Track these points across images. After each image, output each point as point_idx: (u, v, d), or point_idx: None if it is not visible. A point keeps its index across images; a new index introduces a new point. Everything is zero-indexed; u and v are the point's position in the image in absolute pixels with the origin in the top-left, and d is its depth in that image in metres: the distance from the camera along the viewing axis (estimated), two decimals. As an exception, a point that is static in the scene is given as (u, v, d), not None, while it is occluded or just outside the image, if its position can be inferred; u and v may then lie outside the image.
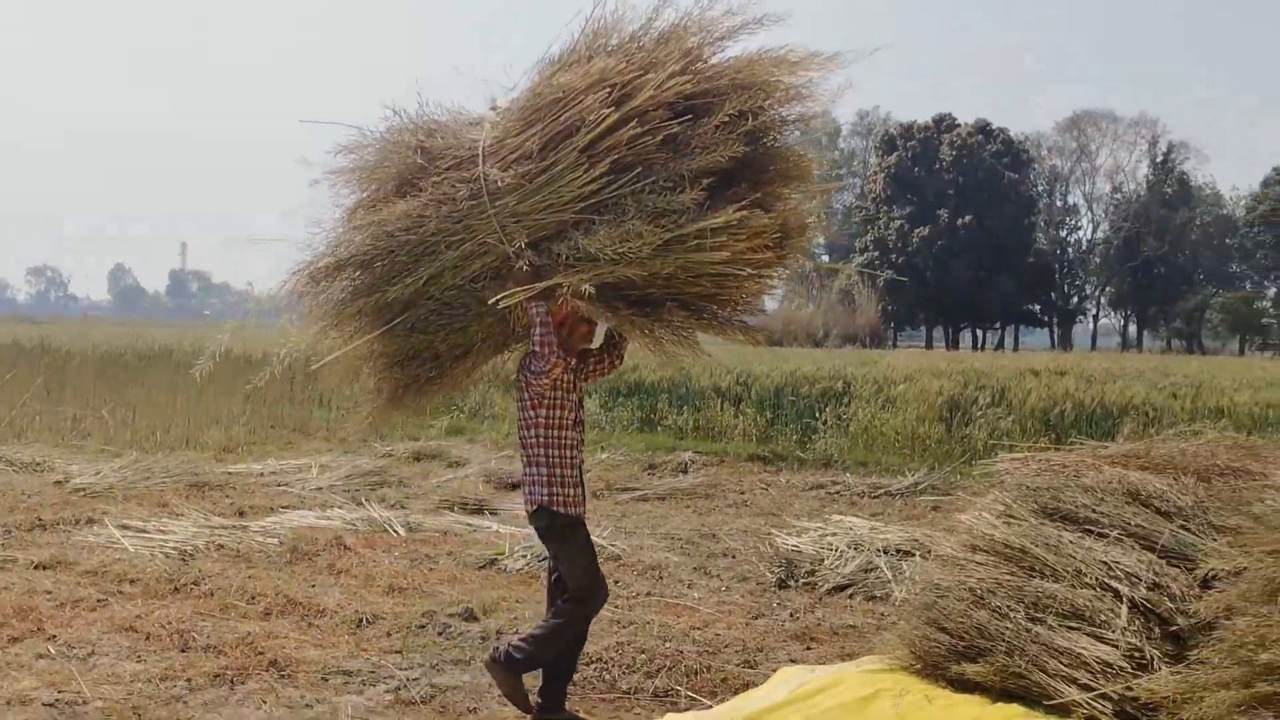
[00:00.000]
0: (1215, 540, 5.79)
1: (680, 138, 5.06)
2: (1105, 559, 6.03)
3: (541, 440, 5.52)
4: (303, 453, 15.94)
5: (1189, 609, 5.58)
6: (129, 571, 8.62)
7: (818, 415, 18.41)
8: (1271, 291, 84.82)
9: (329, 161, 5.71)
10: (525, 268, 5.13)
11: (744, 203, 5.04)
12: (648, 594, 8.48)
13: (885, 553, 9.30)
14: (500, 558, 9.38)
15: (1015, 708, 5.76)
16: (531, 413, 5.51)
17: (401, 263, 5.29)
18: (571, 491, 5.60)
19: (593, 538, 9.72)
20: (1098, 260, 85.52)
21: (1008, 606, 6.06)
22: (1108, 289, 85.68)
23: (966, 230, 72.83)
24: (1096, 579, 5.97)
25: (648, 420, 19.67)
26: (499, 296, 5.16)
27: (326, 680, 6.39)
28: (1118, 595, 5.83)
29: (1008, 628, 5.97)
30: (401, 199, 5.38)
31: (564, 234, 5.10)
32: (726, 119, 5.08)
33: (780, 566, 9.11)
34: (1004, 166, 76.09)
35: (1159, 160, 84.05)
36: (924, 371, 20.56)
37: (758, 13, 5.29)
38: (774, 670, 6.52)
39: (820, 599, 8.45)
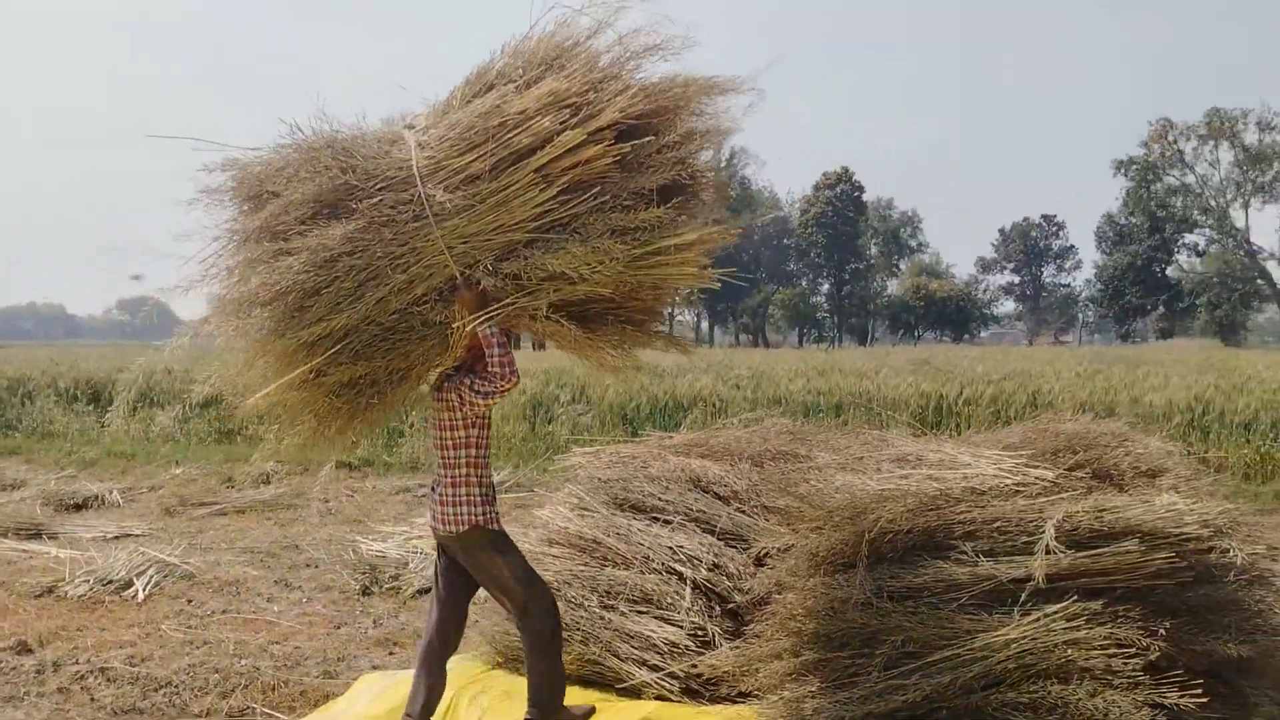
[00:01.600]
0: (767, 520, 6.17)
1: (630, 156, 5.04)
2: (671, 544, 6.31)
3: (474, 460, 5.33)
4: None
5: (745, 586, 5.93)
6: None
7: (404, 418, 18.25)
8: (824, 287, 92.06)
9: (210, 180, 5.32)
10: (489, 287, 5.02)
11: (704, 220, 5.21)
12: (224, 611, 8.09)
13: (469, 552, 9.31)
14: (59, 584, 8.69)
15: (592, 694, 5.91)
16: (463, 433, 5.30)
17: (346, 289, 5.00)
18: (496, 509, 5.43)
19: (163, 556, 9.30)
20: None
21: (583, 596, 6.23)
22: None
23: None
24: (663, 564, 6.24)
25: (226, 432, 18.87)
26: (475, 318, 5.02)
27: None
28: (682, 578, 6.11)
29: (583, 617, 6.13)
30: (333, 221, 5.06)
31: (515, 253, 5.00)
32: (677, 139, 5.16)
33: (364, 573, 8.96)
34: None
35: (722, 165, 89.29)
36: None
37: (673, 36, 5.28)
38: (355, 679, 6.39)
39: (404, 603, 8.37)
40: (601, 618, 6.10)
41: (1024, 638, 4.85)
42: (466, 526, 5.32)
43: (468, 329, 5.05)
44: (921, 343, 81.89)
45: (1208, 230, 78.26)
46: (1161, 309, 79.73)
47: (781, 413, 13.74)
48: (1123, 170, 78.88)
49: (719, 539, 6.28)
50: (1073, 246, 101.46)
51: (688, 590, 6.01)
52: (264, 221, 5.19)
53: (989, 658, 4.84)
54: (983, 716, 4.84)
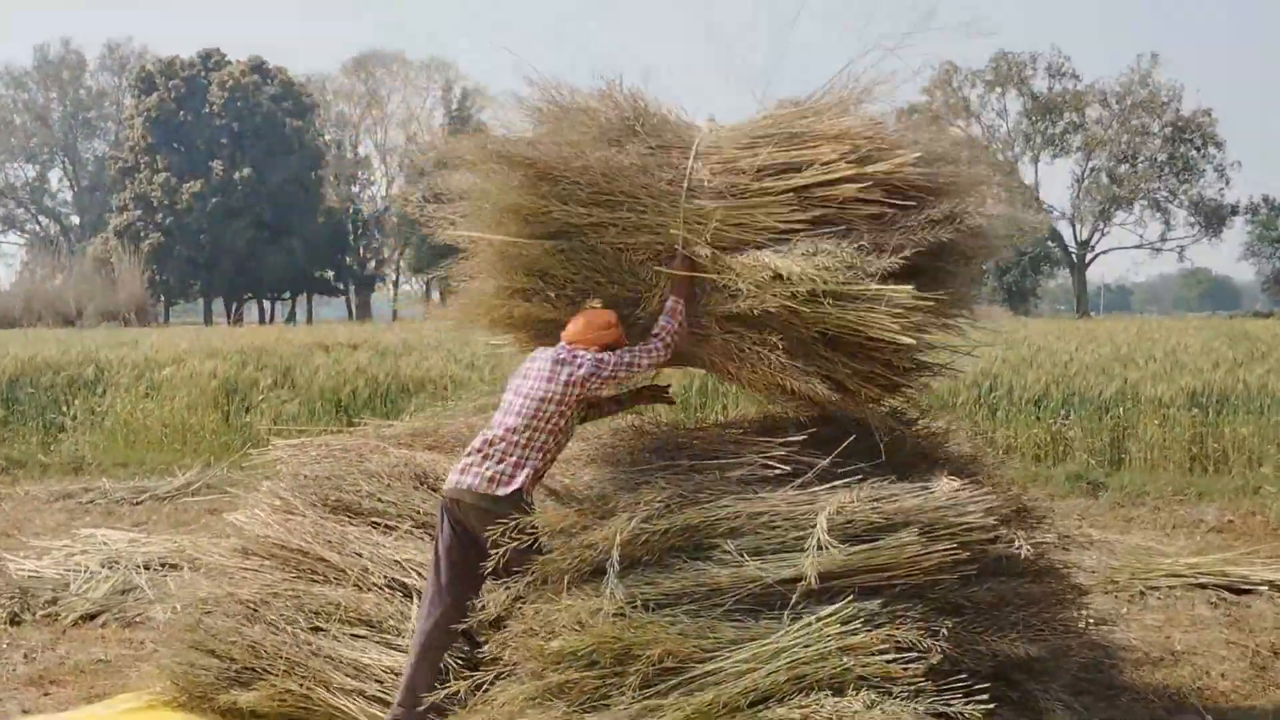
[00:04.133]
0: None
1: (887, 215, 5.79)
2: (396, 556, 6.21)
3: (559, 444, 5.89)
4: None
5: (480, 602, 5.89)
6: None
7: (65, 410, 17.54)
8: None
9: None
10: (703, 261, 5.80)
11: (931, 294, 5.77)
12: None
13: (147, 568, 9.11)
14: None
15: (299, 733, 5.82)
16: (571, 414, 5.87)
17: (581, 195, 5.93)
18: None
19: None
20: (395, 219, 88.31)
21: (286, 618, 6.09)
22: (406, 252, 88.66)
23: (245, 185, 72.40)
24: (385, 578, 6.16)
25: None
26: (676, 282, 5.92)
27: None
28: (407, 594, 6.04)
29: (286, 643, 6.00)
30: (605, 148, 5.98)
31: (742, 252, 5.80)
32: (939, 218, 5.86)
33: (13, 598, 8.58)
34: (285, 112, 76.32)
35: (454, 107, 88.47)
36: (196, 351, 20.13)
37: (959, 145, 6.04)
38: (2, 728, 6.11)
39: (64, 632, 8.06)
40: (309, 643, 5.99)
41: (795, 645, 4.98)
42: (514, 487, 5.66)
43: (654, 289, 5.94)
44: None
45: (995, 187, 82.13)
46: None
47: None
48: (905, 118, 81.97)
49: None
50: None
51: (414, 609, 5.95)
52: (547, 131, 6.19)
53: (756, 670, 4.95)
54: (750, 737, 4.95)
